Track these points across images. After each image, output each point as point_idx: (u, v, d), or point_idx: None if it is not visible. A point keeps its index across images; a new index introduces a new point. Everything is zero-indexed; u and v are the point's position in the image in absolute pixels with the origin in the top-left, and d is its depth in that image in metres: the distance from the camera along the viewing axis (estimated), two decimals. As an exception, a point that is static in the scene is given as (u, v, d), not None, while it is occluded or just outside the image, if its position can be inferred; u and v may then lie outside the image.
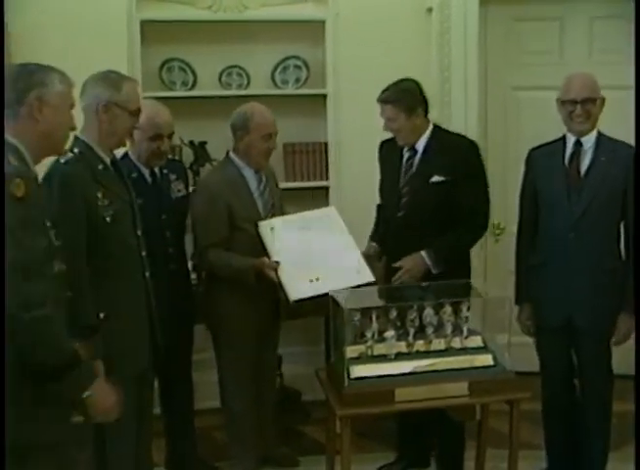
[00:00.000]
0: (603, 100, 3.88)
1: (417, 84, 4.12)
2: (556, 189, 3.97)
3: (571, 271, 3.93)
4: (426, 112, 4.11)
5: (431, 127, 4.14)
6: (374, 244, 4.32)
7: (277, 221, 4.17)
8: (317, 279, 3.98)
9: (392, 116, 4.06)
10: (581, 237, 3.88)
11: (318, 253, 4.07)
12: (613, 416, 4.07)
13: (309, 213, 4.30)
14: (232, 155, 4.16)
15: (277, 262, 3.95)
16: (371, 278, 4.02)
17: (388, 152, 4.28)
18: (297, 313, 4.72)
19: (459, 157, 4.04)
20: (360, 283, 3.98)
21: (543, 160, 4.07)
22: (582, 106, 3.84)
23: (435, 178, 4.03)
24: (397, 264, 4.04)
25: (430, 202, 4.05)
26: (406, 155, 4.17)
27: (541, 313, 4.09)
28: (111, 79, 3.32)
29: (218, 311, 4.14)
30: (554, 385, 4.15)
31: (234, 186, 4.08)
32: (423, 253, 4.02)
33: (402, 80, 4.11)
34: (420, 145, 4.12)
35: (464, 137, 4.23)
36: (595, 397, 4.02)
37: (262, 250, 4.02)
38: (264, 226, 4.11)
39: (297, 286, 3.95)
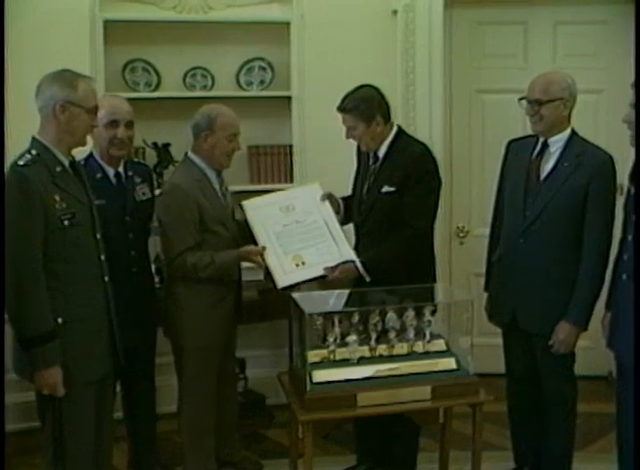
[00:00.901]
0: (566, 102, 3.78)
1: (376, 90, 4.06)
2: (515, 189, 3.94)
3: (517, 275, 3.92)
4: (387, 118, 4.05)
5: (393, 133, 4.07)
6: None
7: (262, 201, 4.21)
8: (303, 264, 4.01)
9: (352, 124, 4.02)
10: (530, 244, 3.85)
11: (303, 234, 4.09)
12: (578, 417, 4.06)
13: (294, 192, 4.37)
14: (192, 156, 4.05)
15: (263, 248, 3.98)
16: (352, 257, 4.01)
17: (363, 154, 4.24)
18: (261, 316, 4.73)
19: (408, 167, 3.95)
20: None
21: (515, 154, 4.05)
22: (532, 106, 3.81)
23: (385, 189, 4.00)
24: (327, 269, 4.00)
25: (380, 212, 4.04)
26: (371, 161, 4.15)
27: (492, 307, 4.14)
28: (65, 78, 3.24)
29: (181, 320, 4.03)
30: (517, 384, 4.16)
31: (202, 187, 3.98)
32: (357, 261, 3.98)
33: (360, 87, 4.06)
34: (382, 152, 4.07)
35: (420, 145, 4.11)
36: (554, 397, 3.99)
37: (241, 239, 4.06)
38: (249, 206, 4.14)
39: (285, 272, 3.98)
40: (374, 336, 3.57)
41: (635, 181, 3.50)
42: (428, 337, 3.63)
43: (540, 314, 3.87)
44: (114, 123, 3.87)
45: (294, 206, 4.17)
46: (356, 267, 3.95)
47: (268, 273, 4.03)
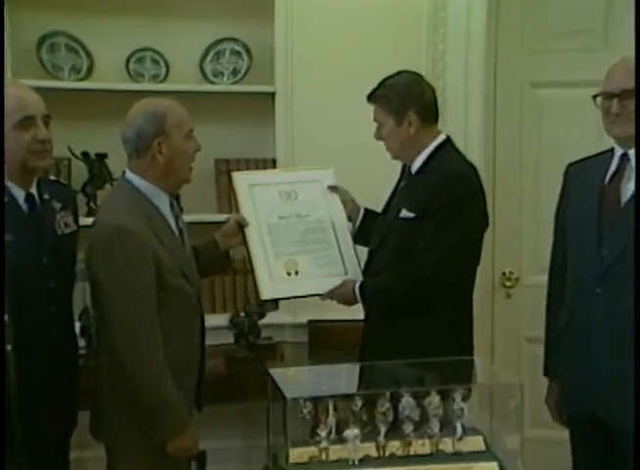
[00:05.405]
0: None
1: (418, 79, 4.15)
2: (584, 222, 3.83)
3: (596, 341, 3.77)
4: (427, 119, 4.08)
5: (437, 143, 4.09)
6: None
7: (259, 177, 4.45)
8: (296, 273, 4.17)
9: (379, 119, 4.11)
10: (612, 293, 3.71)
11: (303, 234, 4.25)
12: None
13: (299, 174, 4.49)
14: (134, 179, 3.79)
15: (245, 223, 4.14)
16: (358, 275, 4.18)
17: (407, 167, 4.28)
18: (228, 395, 4.64)
19: (433, 189, 3.97)
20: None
21: (580, 178, 3.96)
22: (620, 100, 3.69)
23: (404, 213, 4.05)
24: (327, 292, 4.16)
25: (393, 241, 4.11)
26: (403, 177, 4.25)
27: (562, 396, 4.02)
28: None
29: (117, 418, 3.79)
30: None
31: (156, 227, 3.73)
32: (356, 286, 4.11)
33: (398, 73, 4.14)
34: (415, 166, 4.10)
35: (462, 163, 4.12)
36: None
37: (198, 316, 3.94)
38: (242, 181, 4.27)
39: (272, 280, 4.13)
40: (383, 429, 3.43)
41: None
42: (459, 432, 3.49)
43: (629, 400, 3.65)
44: (27, 121, 3.73)
45: (296, 193, 4.29)
46: (353, 290, 4.08)
47: (252, 272, 4.14)
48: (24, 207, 3.80)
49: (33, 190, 3.84)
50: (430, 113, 4.08)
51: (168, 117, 3.72)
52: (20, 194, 3.79)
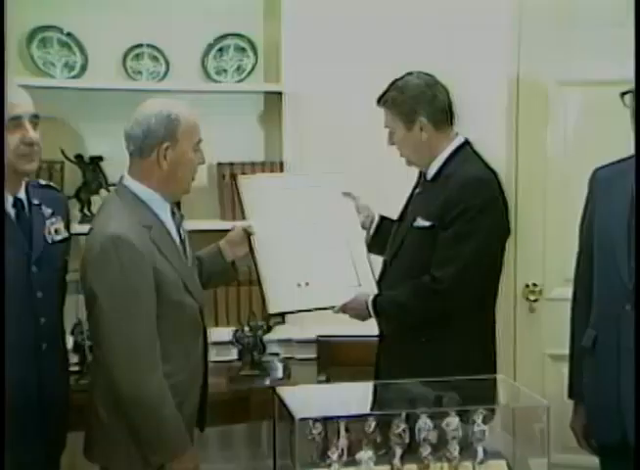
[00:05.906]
0: None
1: (428, 80, 4.12)
2: (613, 232, 3.78)
3: (624, 361, 3.71)
4: (440, 123, 4.08)
5: (453, 147, 4.11)
6: None
7: (266, 180, 4.48)
8: (307, 284, 4.15)
9: (390, 124, 4.12)
10: None
11: (314, 242, 4.23)
12: None
13: (309, 179, 4.48)
14: (133, 185, 3.74)
15: (250, 232, 4.08)
16: (373, 288, 4.19)
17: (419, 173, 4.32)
18: (231, 415, 4.63)
19: (450, 195, 3.97)
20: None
21: (607, 184, 3.90)
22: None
23: (419, 222, 4.06)
24: (339, 306, 4.17)
25: (408, 251, 4.12)
26: (419, 183, 4.26)
27: (590, 421, 3.95)
28: None
29: (113, 439, 3.76)
30: None
31: (156, 237, 3.69)
32: (369, 299, 4.11)
33: (409, 74, 4.13)
34: (430, 172, 4.11)
35: (480, 167, 4.11)
36: None
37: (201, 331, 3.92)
38: (249, 185, 4.25)
39: (281, 290, 4.11)
40: (399, 452, 3.40)
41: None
42: (480, 455, 3.45)
43: None
44: (14, 122, 3.68)
45: (306, 199, 4.29)
46: (366, 304, 4.09)
47: (259, 282, 4.11)
48: (12, 212, 3.77)
49: (22, 195, 3.81)
50: (443, 116, 4.08)
51: (182, 123, 3.68)
52: (8, 200, 3.77)
